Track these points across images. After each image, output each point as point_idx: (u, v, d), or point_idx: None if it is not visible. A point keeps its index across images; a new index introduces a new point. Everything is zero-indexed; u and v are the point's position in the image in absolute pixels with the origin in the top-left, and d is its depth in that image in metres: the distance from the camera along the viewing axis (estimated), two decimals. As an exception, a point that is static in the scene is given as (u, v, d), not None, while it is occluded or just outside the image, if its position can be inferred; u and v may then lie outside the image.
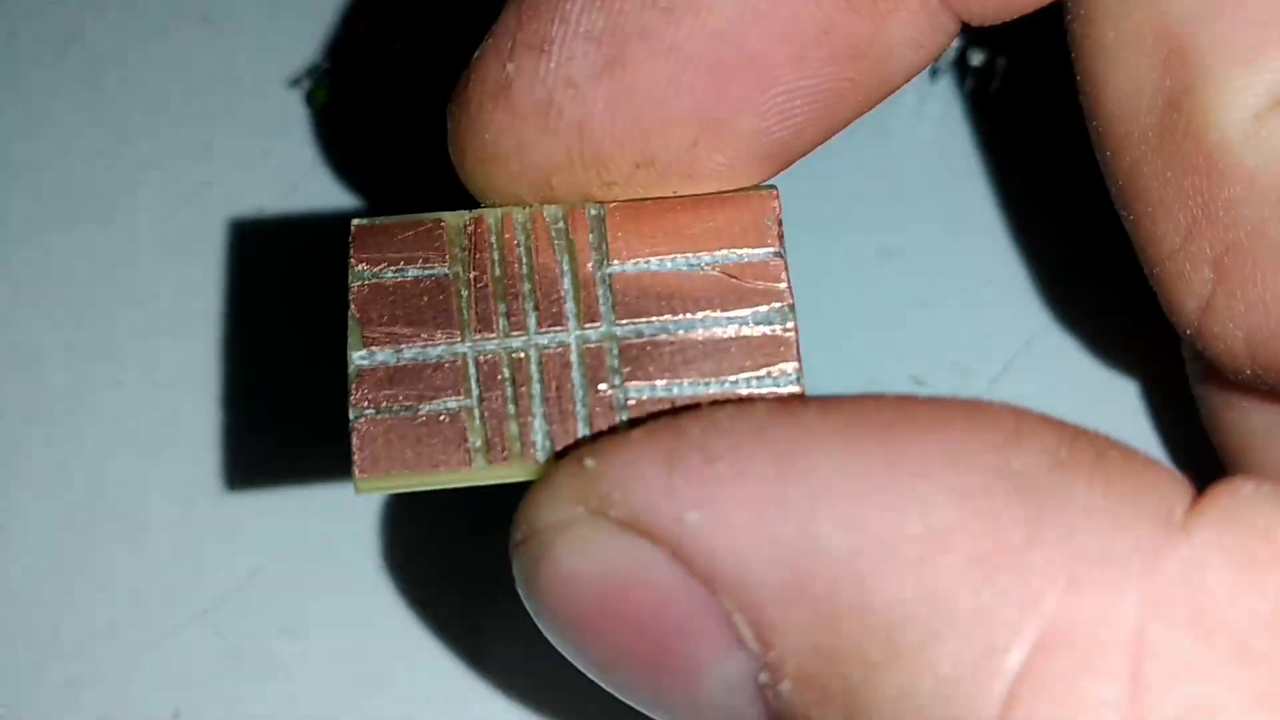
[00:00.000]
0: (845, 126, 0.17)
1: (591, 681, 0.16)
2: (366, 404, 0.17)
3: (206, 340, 0.26)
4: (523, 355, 0.17)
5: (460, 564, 0.25)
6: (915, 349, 0.26)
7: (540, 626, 0.15)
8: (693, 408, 0.16)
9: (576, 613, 0.14)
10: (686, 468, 0.13)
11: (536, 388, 0.17)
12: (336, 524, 0.25)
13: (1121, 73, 0.17)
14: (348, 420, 0.17)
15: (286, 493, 0.25)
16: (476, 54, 0.17)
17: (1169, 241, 0.17)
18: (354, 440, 0.16)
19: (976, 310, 0.26)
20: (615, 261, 0.17)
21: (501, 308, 0.17)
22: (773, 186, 0.18)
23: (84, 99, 0.29)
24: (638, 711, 0.16)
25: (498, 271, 0.17)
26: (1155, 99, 0.17)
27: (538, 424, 0.17)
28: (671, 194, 0.17)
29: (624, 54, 0.16)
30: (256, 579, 0.24)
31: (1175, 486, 0.13)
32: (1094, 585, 0.12)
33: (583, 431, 0.16)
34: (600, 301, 0.17)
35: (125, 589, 0.24)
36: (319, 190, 0.28)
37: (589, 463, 0.14)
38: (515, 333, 0.17)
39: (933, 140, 0.28)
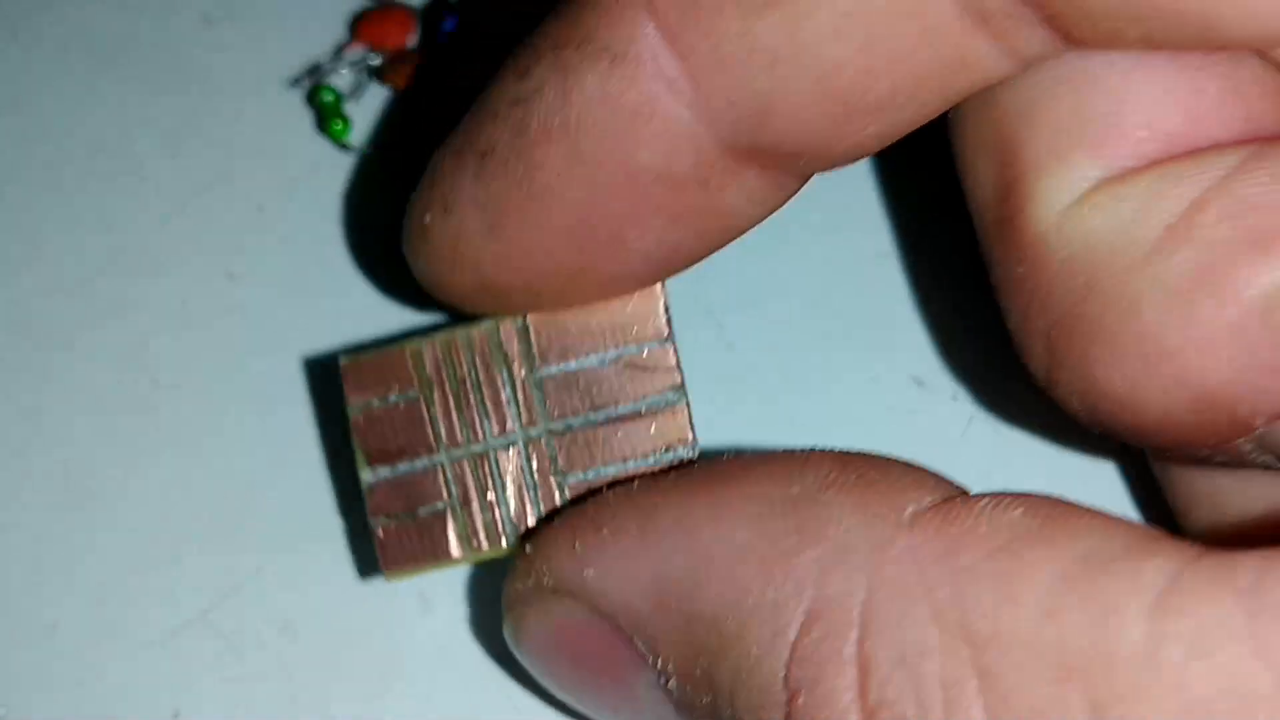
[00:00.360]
0: (710, 253, 0.21)
1: None
2: (381, 513, 0.21)
3: (207, 340, 0.26)
4: (483, 457, 0.21)
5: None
6: (915, 349, 0.26)
7: (534, 673, 0.21)
8: (612, 484, 0.20)
9: (543, 658, 0.20)
10: (584, 539, 0.18)
11: (498, 484, 0.21)
12: (337, 523, 0.25)
13: (972, 170, 0.20)
14: (370, 527, 0.21)
15: (285, 492, 0.25)
16: (413, 195, 0.21)
17: (1014, 318, 0.20)
18: (377, 544, 0.21)
19: (976, 311, 0.26)
20: (541, 366, 0.21)
21: (461, 420, 0.21)
22: (660, 285, 0.21)
23: (84, 99, 0.29)
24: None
25: (454, 389, 0.21)
26: (992, 195, 0.19)
27: (501, 513, 0.21)
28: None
29: (502, 222, 0.20)
30: (256, 579, 0.24)
31: (919, 494, 0.16)
32: (836, 574, 0.16)
33: (537, 515, 0.21)
34: (536, 403, 0.21)
35: (125, 589, 0.24)
36: (319, 190, 0.28)
37: (528, 549, 0.20)
38: (475, 442, 0.21)
39: (933, 140, 0.28)
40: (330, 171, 0.28)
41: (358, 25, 0.29)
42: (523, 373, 0.21)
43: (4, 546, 0.25)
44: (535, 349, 0.21)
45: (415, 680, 0.24)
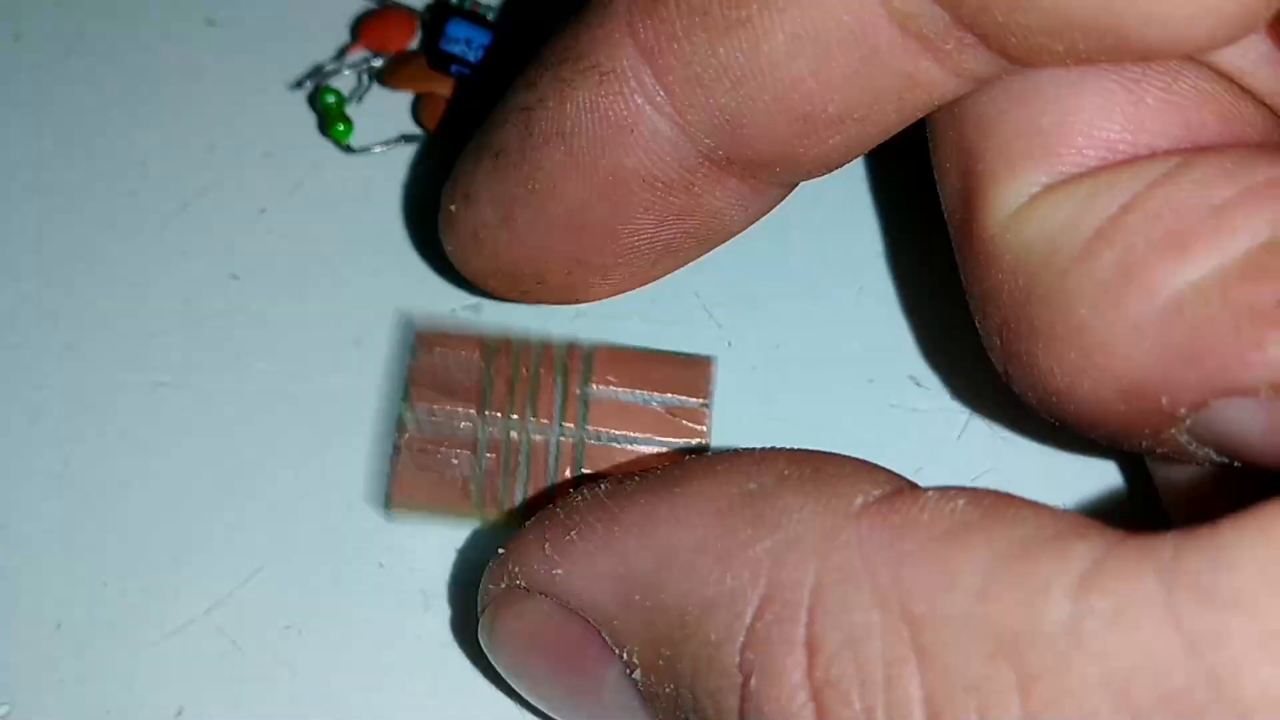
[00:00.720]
0: (702, 253, 0.23)
1: None
2: (407, 456, 0.24)
3: (209, 340, 0.27)
4: (517, 439, 0.24)
5: (465, 562, 0.25)
6: (914, 349, 0.26)
7: (501, 673, 0.21)
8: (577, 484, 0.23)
9: (516, 657, 0.21)
10: (554, 540, 0.19)
11: (523, 464, 0.24)
12: (338, 522, 0.25)
13: (941, 178, 0.21)
14: (389, 457, 0.24)
15: (288, 491, 0.25)
16: (445, 185, 0.24)
17: (976, 317, 0.21)
18: (392, 474, 0.24)
19: (975, 311, 0.26)
20: (593, 386, 0.24)
21: (511, 403, 0.24)
22: (712, 357, 0.24)
23: (87, 100, 0.29)
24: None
25: (513, 377, 0.24)
26: (956, 202, 0.21)
27: (519, 489, 0.24)
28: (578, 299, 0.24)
29: (511, 213, 0.22)
30: (259, 577, 0.24)
31: (869, 486, 0.17)
32: (788, 562, 0.17)
33: (551, 498, 0.22)
34: (578, 413, 0.24)
35: (127, 587, 0.24)
36: (321, 192, 0.28)
37: (500, 551, 0.20)
38: (515, 422, 0.24)
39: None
40: (332, 173, 0.28)
41: (360, 27, 0.29)
42: (576, 387, 0.24)
43: (7, 546, 0.25)
44: (593, 371, 0.24)
45: (416, 680, 0.24)
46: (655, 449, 0.24)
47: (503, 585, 0.20)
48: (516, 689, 0.21)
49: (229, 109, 0.29)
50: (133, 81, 0.29)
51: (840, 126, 0.20)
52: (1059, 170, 0.19)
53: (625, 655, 0.18)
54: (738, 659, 0.17)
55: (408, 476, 0.24)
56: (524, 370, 0.24)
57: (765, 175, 0.22)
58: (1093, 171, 0.19)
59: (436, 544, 0.25)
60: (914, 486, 0.17)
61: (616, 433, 0.24)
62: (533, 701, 0.21)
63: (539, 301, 0.24)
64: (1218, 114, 0.19)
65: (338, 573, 0.24)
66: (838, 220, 0.28)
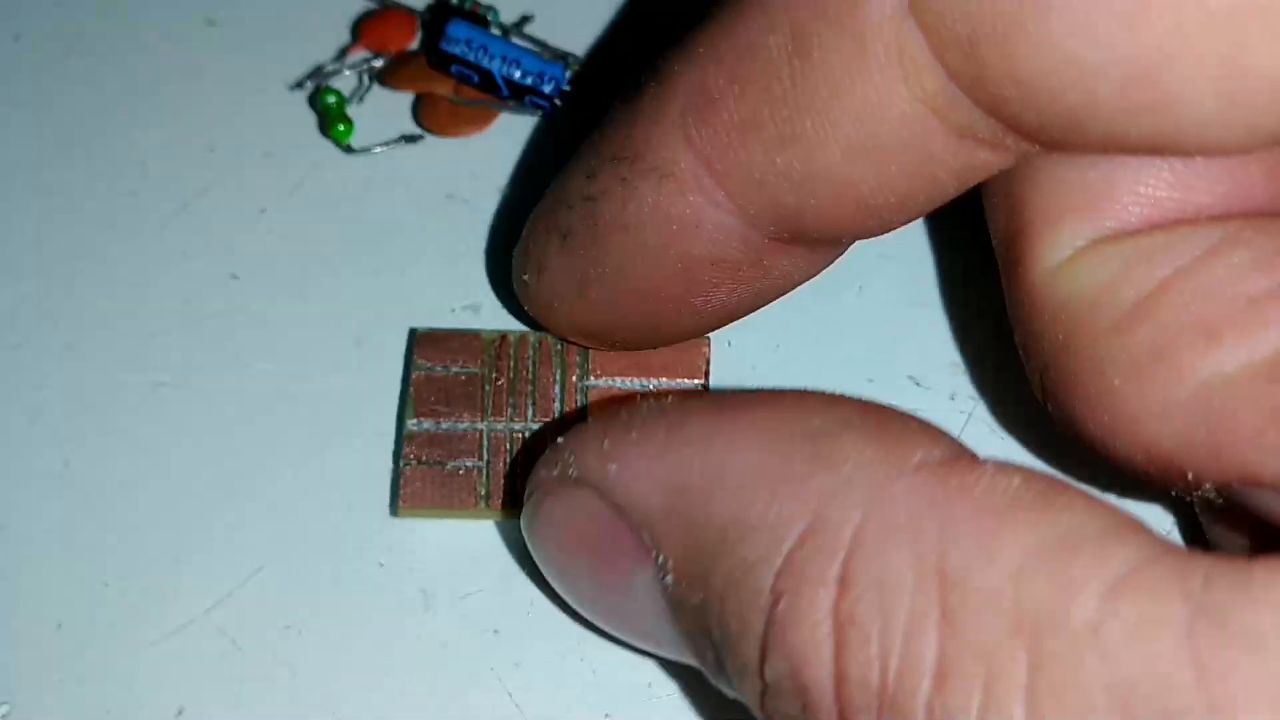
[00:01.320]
0: (764, 305, 0.24)
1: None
2: (413, 456, 0.24)
3: (209, 340, 0.27)
4: (521, 435, 0.24)
5: (465, 562, 0.25)
6: (914, 349, 0.26)
7: (536, 559, 0.22)
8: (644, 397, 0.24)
9: (554, 544, 0.21)
10: (613, 437, 0.20)
11: (527, 459, 0.23)
12: (339, 522, 0.25)
13: (989, 213, 0.22)
14: (397, 465, 0.25)
15: (289, 491, 0.25)
16: (515, 249, 0.24)
17: (1021, 351, 0.22)
18: (401, 480, 0.24)
19: (975, 311, 0.27)
20: (592, 378, 0.25)
21: (511, 401, 0.24)
22: (706, 339, 0.25)
23: (87, 100, 0.29)
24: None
25: (512, 375, 0.25)
26: (1003, 240, 0.21)
27: (521, 484, 0.23)
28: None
29: (586, 285, 0.23)
30: (259, 577, 0.24)
31: (930, 448, 0.18)
32: (837, 501, 0.17)
33: None
34: (578, 405, 0.25)
35: (128, 587, 0.24)
36: (321, 192, 0.28)
37: (559, 441, 0.21)
38: (517, 420, 0.24)
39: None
40: (332, 173, 0.28)
41: (360, 28, 0.30)
42: (574, 379, 0.25)
43: (7, 546, 0.25)
44: (590, 364, 0.25)
45: (416, 680, 0.24)
46: None
47: (554, 473, 0.21)
48: (549, 578, 0.22)
49: (229, 109, 0.29)
50: (133, 82, 0.29)
51: (900, 209, 0.21)
52: (1104, 226, 0.20)
53: (661, 559, 0.19)
54: (770, 582, 0.17)
55: (415, 479, 0.24)
56: (523, 367, 0.24)
57: (830, 244, 0.23)
58: (1137, 231, 0.20)
59: (436, 544, 0.25)
60: (974, 456, 0.18)
61: None
62: (562, 592, 0.22)
63: (618, 349, 0.25)
64: (1265, 170, 0.19)
65: (338, 573, 0.24)
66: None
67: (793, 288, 0.24)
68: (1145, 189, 0.20)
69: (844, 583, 0.17)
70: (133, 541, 0.25)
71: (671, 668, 0.24)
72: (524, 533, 0.22)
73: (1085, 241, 0.20)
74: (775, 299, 0.24)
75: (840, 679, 0.17)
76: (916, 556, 0.16)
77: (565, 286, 0.23)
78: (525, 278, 0.24)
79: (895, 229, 0.22)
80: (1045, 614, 0.16)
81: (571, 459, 0.20)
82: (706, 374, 0.25)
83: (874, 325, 0.27)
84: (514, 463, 0.24)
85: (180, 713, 0.23)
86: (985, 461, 0.17)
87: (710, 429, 0.19)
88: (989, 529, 0.16)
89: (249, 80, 0.29)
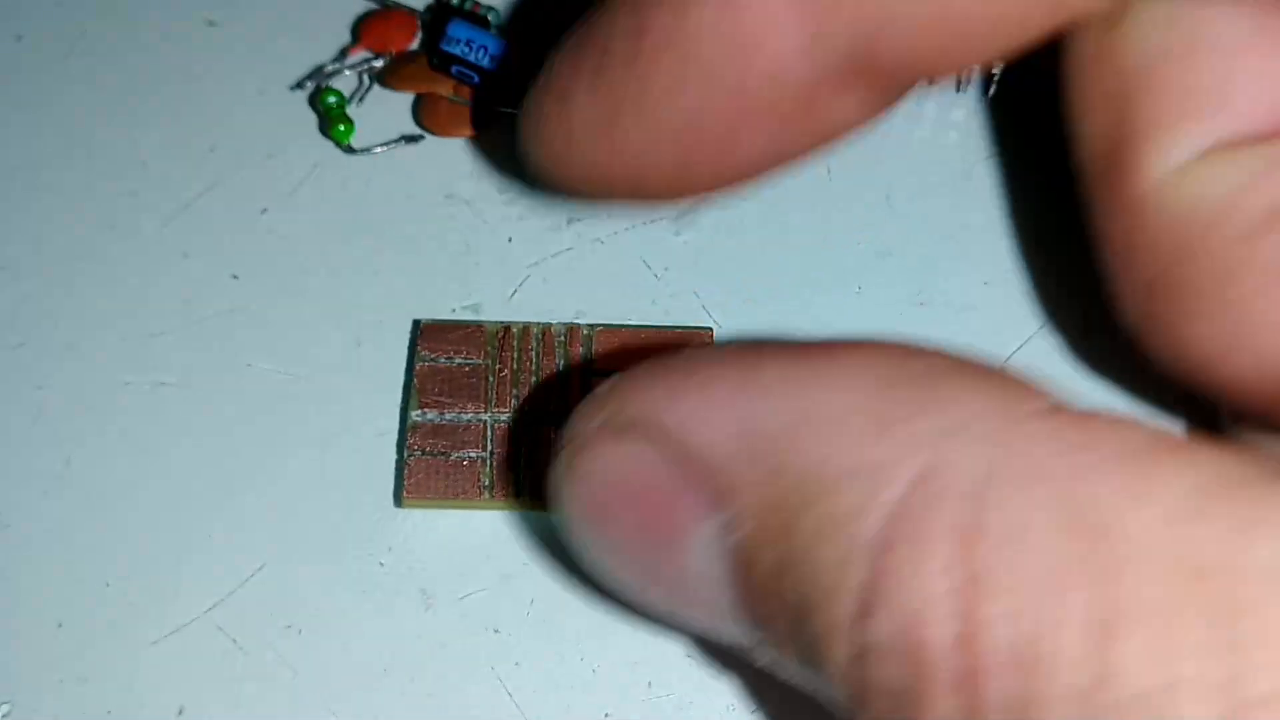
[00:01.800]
0: (810, 157, 0.21)
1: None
2: (417, 447, 0.24)
3: (209, 340, 0.27)
4: (523, 426, 0.24)
5: (465, 561, 0.25)
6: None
7: (568, 528, 0.19)
8: None
9: (594, 506, 0.19)
10: (674, 380, 0.18)
11: (532, 450, 0.24)
12: (339, 522, 0.25)
13: (1086, 116, 0.20)
14: (400, 456, 0.25)
15: (289, 491, 0.25)
16: (532, 84, 0.21)
17: (1109, 267, 0.20)
18: (405, 471, 0.24)
19: (975, 310, 0.27)
20: (596, 368, 0.25)
21: (514, 392, 0.24)
22: (710, 328, 0.25)
23: (88, 101, 0.29)
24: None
25: (516, 367, 0.25)
26: (1104, 145, 0.20)
27: (526, 475, 0.24)
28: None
29: (615, 118, 0.20)
30: (259, 576, 0.24)
31: (1044, 397, 0.16)
32: (955, 444, 0.15)
33: None
34: (582, 395, 0.22)
35: (128, 586, 0.24)
36: (321, 192, 0.28)
37: (603, 386, 0.18)
38: (521, 409, 0.24)
39: (931, 140, 0.28)
40: (333, 174, 0.28)
41: (361, 28, 0.30)
42: (578, 369, 0.25)
43: (8, 546, 0.25)
44: (593, 355, 0.25)
45: (416, 680, 0.24)
46: None
47: (596, 423, 0.18)
48: (580, 547, 0.19)
49: (230, 109, 0.29)
50: (134, 82, 0.29)
51: (987, 40, 0.19)
52: (1226, 132, 0.18)
53: (730, 514, 0.17)
54: (874, 531, 0.15)
55: (418, 470, 0.24)
56: (526, 358, 0.25)
57: (893, 84, 0.20)
58: (1268, 137, 0.18)
59: (437, 543, 0.25)
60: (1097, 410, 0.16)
61: None
62: (596, 563, 0.20)
63: (622, 204, 0.22)
64: None
65: (338, 572, 0.24)
66: (838, 220, 0.28)
67: (836, 141, 0.21)
68: (1270, 94, 0.18)
69: (968, 535, 0.15)
70: (133, 541, 0.25)
71: (671, 668, 0.24)
72: (554, 496, 0.19)
73: (1202, 150, 0.18)
74: (813, 153, 0.21)
75: (966, 638, 0.15)
76: (1056, 504, 0.15)
77: (590, 116, 0.21)
78: (542, 107, 0.21)
79: (963, 70, 0.20)
80: (1217, 560, 0.14)
81: (621, 405, 0.18)
82: None
83: (874, 325, 0.27)
84: (518, 454, 0.24)
85: (181, 712, 0.23)
86: (1111, 411, 0.16)
87: (795, 370, 0.17)
88: (1136, 473, 0.15)
89: (249, 80, 0.29)
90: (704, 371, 0.17)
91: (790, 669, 0.17)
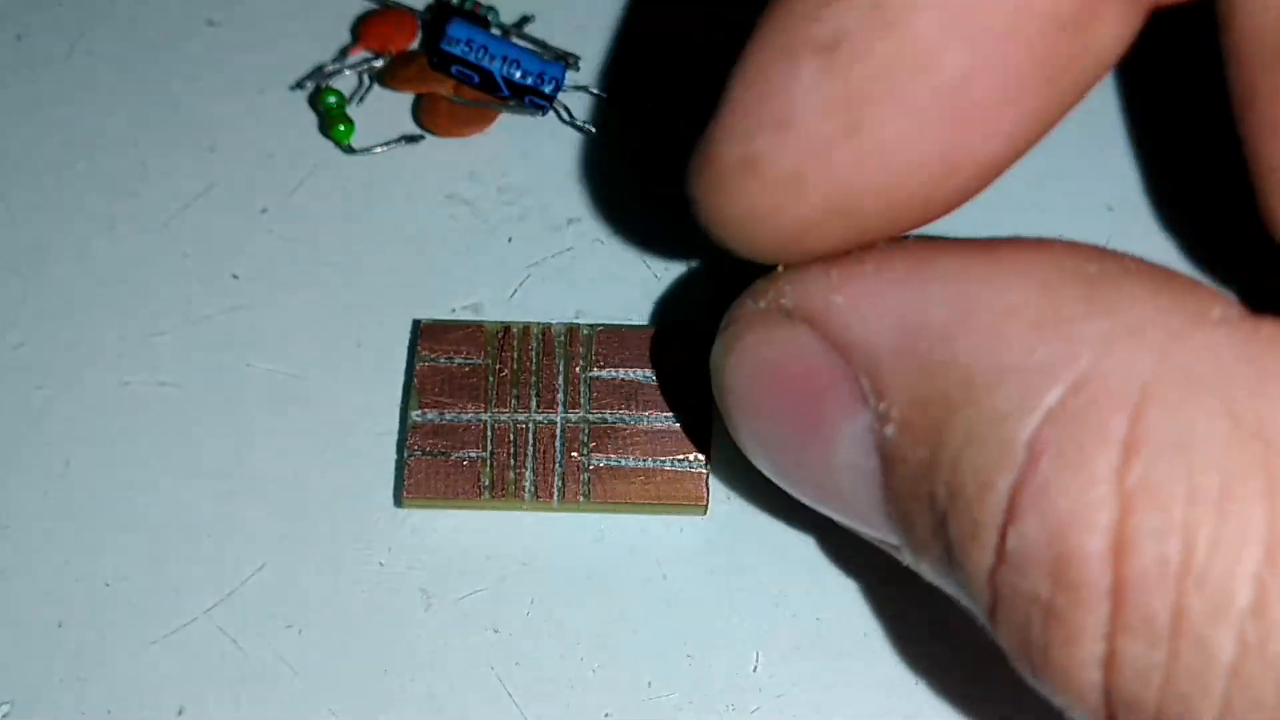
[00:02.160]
0: (1055, 121, 0.19)
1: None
2: (417, 447, 0.24)
3: (209, 340, 0.27)
4: (524, 426, 0.24)
5: (465, 562, 0.25)
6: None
7: (724, 404, 0.19)
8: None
9: (748, 384, 0.19)
10: (842, 269, 0.17)
11: (530, 450, 0.24)
12: (339, 522, 0.25)
13: (1249, 16, 0.19)
14: (401, 456, 0.25)
15: (289, 491, 0.25)
16: (711, 132, 0.19)
17: (1272, 159, 0.19)
18: (405, 471, 0.24)
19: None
20: (596, 368, 0.25)
21: (514, 392, 0.25)
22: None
23: (89, 100, 0.29)
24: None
25: (516, 367, 0.25)
26: (1278, 23, 0.18)
27: (528, 475, 0.24)
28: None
29: (863, 118, 0.17)
30: (259, 576, 0.24)
31: (1224, 304, 0.15)
32: (1122, 349, 0.15)
33: (558, 483, 0.24)
34: (582, 395, 0.25)
35: (128, 586, 0.24)
36: (321, 192, 0.28)
37: (779, 269, 0.18)
38: (521, 411, 0.24)
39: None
40: (333, 174, 0.28)
41: (361, 28, 0.30)
42: (578, 369, 0.25)
43: (8, 546, 0.25)
44: (594, 354, 0.25)
45: (416, 680, 0.24)
46: (661, 424, 0.24)
47: (762, 305, 0.18)
48: (734, 426, 0.19)
49: (230, 109, 0.29)
50: (134, 82, 0.29)
51: None
52: None
53: (882, 407, 0.17)
54: (1028, 434, 0.15)
55: (419, 470, 0.24)
56: (526, 358, 0.25)
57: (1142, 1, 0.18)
58: None
59: (437, 543, 0.25)
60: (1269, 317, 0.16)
61: (620, 412, 0.24)
62: (748, 443, 0.19)
63: (850, 235, 0.19)
64: None
65: (338, 572, 0.24)
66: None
67: (1086, 87, 0.19)
68: None
69: (1131, 443, 0.14)
70: (133, 541, 0.25)
71: (671, 668, 0.24)
72: (714, 372, 0.19)
73: None
74: (1064, 109, 0.19)
75: (1122, 548, 0.14)
76: (1229, 415, 0.14)
77: (828, 130, 0.17)
78: (753, 149, 0.18)
79: None
80: None
81: (788, 289, 0.18)
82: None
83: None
84: (517, 453, 0.24)
85: (181, 712, 0.23)
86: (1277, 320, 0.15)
87: (962, 265, 0.16)
88: None
89: (250, 80, 0.29)
90: (871, 262, 0.17)
91: (929, 571, 0.17)
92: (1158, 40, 0.20)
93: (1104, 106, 0.28)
